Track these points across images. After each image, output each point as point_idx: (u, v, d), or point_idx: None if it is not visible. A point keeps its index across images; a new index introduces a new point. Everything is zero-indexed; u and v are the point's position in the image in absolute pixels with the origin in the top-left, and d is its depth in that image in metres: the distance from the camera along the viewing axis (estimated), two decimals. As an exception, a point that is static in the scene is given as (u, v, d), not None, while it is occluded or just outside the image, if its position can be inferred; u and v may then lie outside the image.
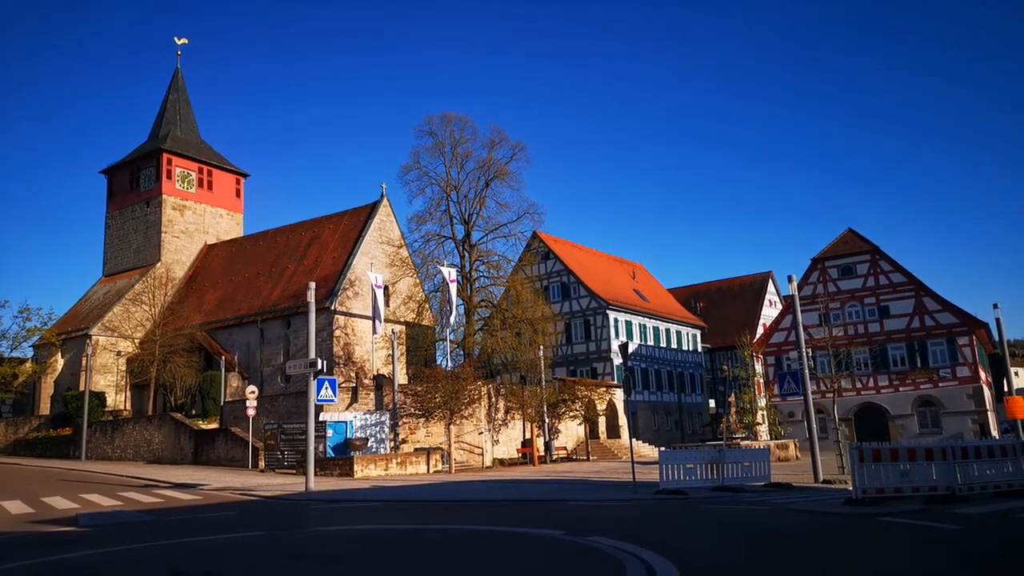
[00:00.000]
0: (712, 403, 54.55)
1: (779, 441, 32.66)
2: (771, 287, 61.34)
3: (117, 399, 43.52)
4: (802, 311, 22.46)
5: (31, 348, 45.70)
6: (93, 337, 43.56)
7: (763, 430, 39.66)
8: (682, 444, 40.60)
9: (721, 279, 64.03)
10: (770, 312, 58.12)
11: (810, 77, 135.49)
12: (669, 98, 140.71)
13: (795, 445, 32.06)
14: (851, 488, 12.74)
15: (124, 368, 43.99)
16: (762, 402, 41.92)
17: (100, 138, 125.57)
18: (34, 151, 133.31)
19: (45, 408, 44.49)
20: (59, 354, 45.45)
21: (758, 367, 44.42)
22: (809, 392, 19.30)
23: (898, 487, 12.32)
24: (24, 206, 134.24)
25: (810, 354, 27.36)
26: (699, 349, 55.15)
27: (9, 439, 41.84)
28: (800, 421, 36.41)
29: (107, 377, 43.60)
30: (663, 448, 22.72)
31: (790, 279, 20.32)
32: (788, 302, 42.34)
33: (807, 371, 19.41)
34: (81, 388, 39.35)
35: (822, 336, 30.67)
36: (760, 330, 53.63)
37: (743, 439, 33.90)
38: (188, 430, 33.55)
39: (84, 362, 40.55)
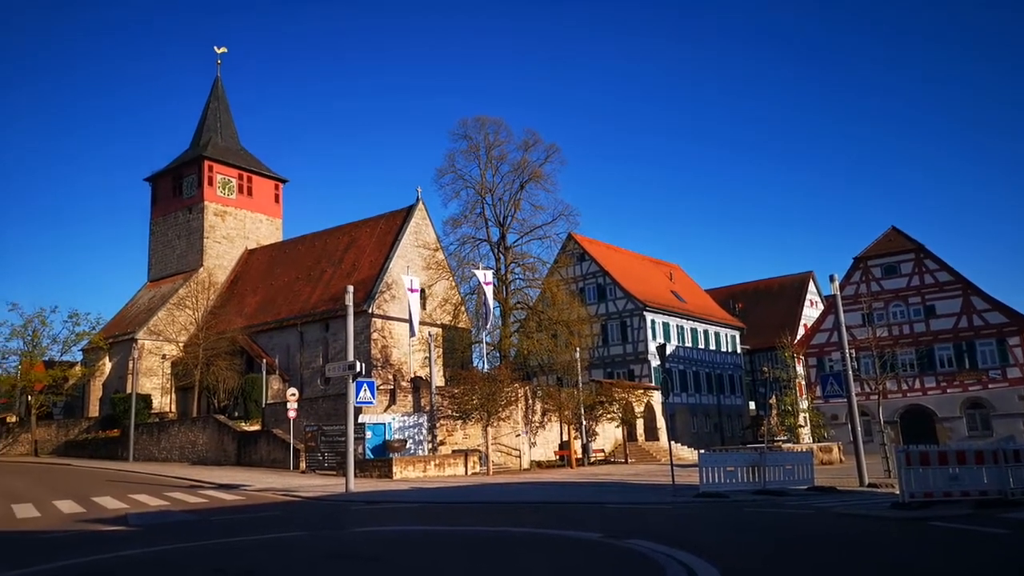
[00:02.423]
0: (752, 405, 53.79)
1: (822, 444, 32.06)
2: (811, 287, 60.31)
3: (163, 401, 44.57)
4: (845, 311, 22.02)
5: (80, 352, 47.05)
6: (139, 341, 44.69)
7: (805, 433, 38.96)
8: (722, 447, 40.08)
9: (760, 279, 63.18)
10: (811, 312, 57.11)
11: (852, 74, 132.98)
12: (703, 98, 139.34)
13: (839, 448, 31.44)
14: (898, 492, 12.46)
15: (169, 371, 45.04)
16: (804, 404, 41.19)
17: (144, 146, 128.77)
18: (80, 160, 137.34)
19: (94, 410, 45.77)
20: (107, 358, 46.71)
21: (799, 368, 43.66)
22: (853, 394, 18.91)
23: (947, 491, 12.01)
24: (72, 214, 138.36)
25: (853, 355, 26.77)
26: (738, 350, 54.44)
27: (61, 440, 43.14)
28: (844, 424, 35.66)
29: (153, 380, 44.69)
30: (702, 451, 22.47)
31: (832, 279, 19.96)
32: (830, 302, 41.56)
33: (850, 373, 19.04)
34: (128, 391, 40.37)
35: (866, 337, 30.02)
36: (801, 331, 52.72)
37: (785, 442, 33.34)
38: (231, 432, 34.20)
39: (130, 365, 41.63)
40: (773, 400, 39.96)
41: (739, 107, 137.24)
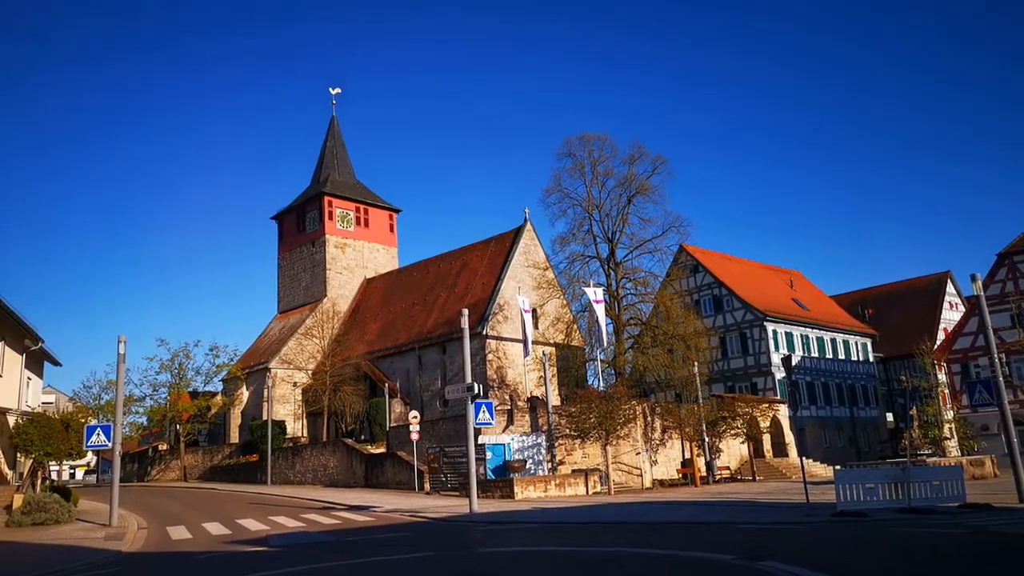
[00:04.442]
0: (890, 417, 50.54)
1: (972, 457, 29.69)
2: (950, 288, 56.04)
3: (295, 427, 47.01)
4: (990, 312, 20.32)
5: (220, 382, 50.50)
6: (272, 370, 47.43)
7: (952, 445, 36.19)
8: (858, 462, 37.81)
9: (890, 282, 59.46)
10: (951, 315, 53.07)
11: (990, 64, 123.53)
12: (820, 95, 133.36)
13: (992, 461, 28.98)
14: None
15: (300, 397, 47.50)
16: (949, 414, 38.26)
17: (268, 186, 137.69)
18: (210, 201, 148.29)
19: (235, 436, 48.88)
20: (244, 387, 49.84)
21: (941, 376, 40.62)
22: (1006, 402, 17.39)
23: None
24: (209, 253, 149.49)
25: (1003, 359, 24.63)
26: (870, 359, 51.33)
27: (206, 465, 46.31)
28: (996, 434, 32.80)
29: (285, 407, 47.25)
30: (838, 467, 21.30)
31: (974, 278, 18.51)
32: (972, 303, 38.47)
33: (1001, 379, 17.52)
34: (264, 417, 42.88)
35: (1016, 339, 27.56)
36: (940, 335, 49.12)
37: (929, 455, 31.11)
38: (359, 455, 35.55)
39: (265, 393, 44.27)
40: (914, 411, 37.41)
41: (868, 100, 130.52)
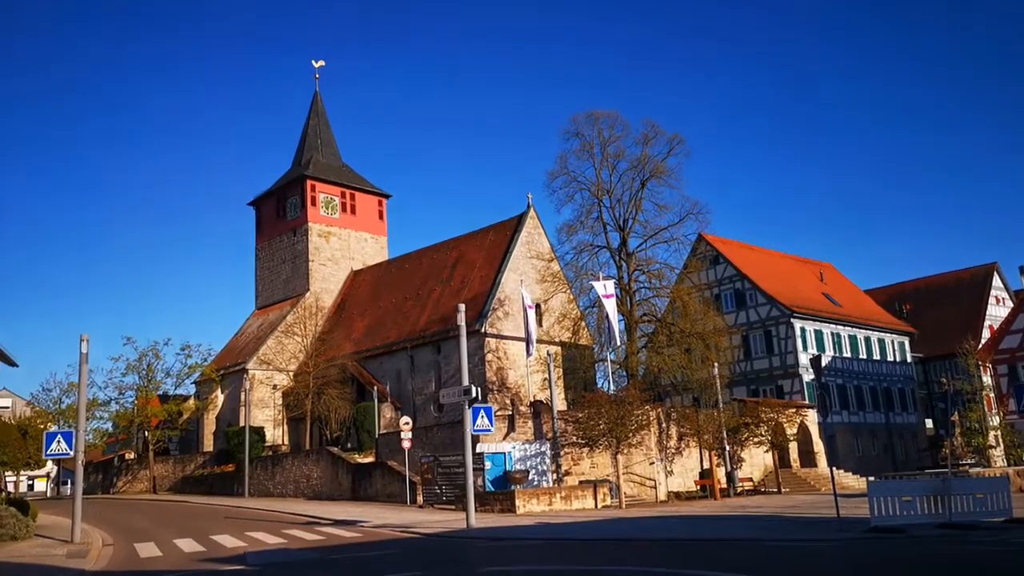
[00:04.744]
0: (929, 423, 50.59)
1: (1020, 467, 29.74)
2: (996, 281, 55.99)
3: (275, 433, 47.13)
4: (1041, 308, 20.30)
5: (193, 385, 50.57)
6: (250, 371, 47.50)
7: (998, 454, 36.24)
8: (895, 473, 37.87)
9: (931, 275, 59.46)
10: (997, 312, 53.04)
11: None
12: (852, 67, 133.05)
13: (1042, 472, 28.98)
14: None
15: (280, 402, 47.60)
16: (994, 420, 38.30)
17: (245, 169, 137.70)
18: (178, 184, 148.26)
19: (209, 444, 49.00)
20: (219, 390, 49.93)
21: (986, 378, 40.65)
22: (1057, 407, 17.39)
23: None
24: (180, 243, 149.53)
25: (1055, 360, 24.65)
26: (908, 359, 51.35)
27: (177, 476, 46.46)
28: (1047, 443, 32.84)
29: (264, 411, 47.36)
30: (871, 478, 21.33)
31: (1023, 270, 18.48)
32: (1021, 298, 38.43)
33: (1053, 381, 17.52)
34: (241, 423, 42.97)
35: (1069, 337, 27.57)
36: (985, 333, 49.11)
37: (972, 466, 31.20)
38: (345, 464, 35.63)
39: (243, 397, 44.32)
40: (956, 417, 37.42)
41: (897, 73, 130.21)
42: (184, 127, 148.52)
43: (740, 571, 10.12)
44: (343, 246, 55.44)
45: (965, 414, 37.24)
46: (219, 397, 50.10)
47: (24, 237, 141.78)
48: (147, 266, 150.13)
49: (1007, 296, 55.44)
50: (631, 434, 28.79)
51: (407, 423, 30.90)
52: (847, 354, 47.04)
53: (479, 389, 26.52)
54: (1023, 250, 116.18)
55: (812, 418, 38.98)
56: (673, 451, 33.11)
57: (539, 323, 40.14)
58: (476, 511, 20.34)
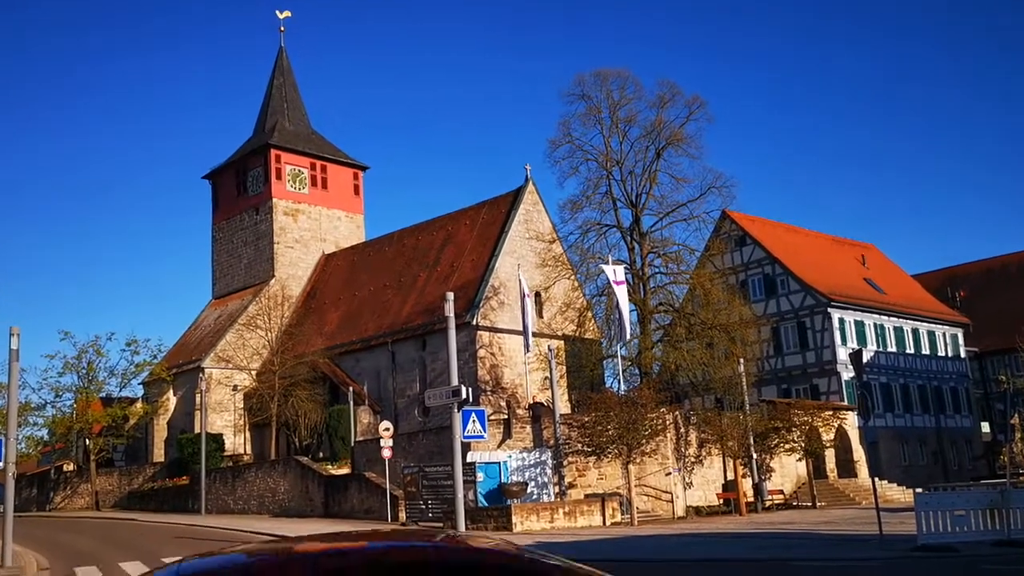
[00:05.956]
0: (985, 427, 50.83)
1: (1089, 477, 29.92)
2: (1064, 264, 56.31)
3: (236, 441, 47.26)
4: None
5: (141, 386, 50.64)
6: (206, 370, 47.59)
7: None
8: (946, 484, 38.13)
9: (988, 257, 59.74)
10: (1065, 299, 53.28)
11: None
12: (900, 26, 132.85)
13: (1114, 483, 29.22)
14: None
15: (241, 405, 47.70)
16: (1060, 424, 38.56)
17: (199, 137, 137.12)
18: (126, 153, 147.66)
19: (160, 454, 49.13)
20: (171, 391, 50.00)
21: (1051, 376, 40.86)
22: None
23: None
24: (125, 224, 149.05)
25: None
26: (962, 354, 51.61)
27: (123, 490, 46.58)
28: (1120, 449, 33.08)
29: (224, 416, 47.47)
30: (919, 490, 21.47)
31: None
32: (1091, 283, 38.62)
33: None
34: (196, 430, 43.04)
35: None
36: (1051, 324, 49.27)
37: (1034, 475, 31.36)
38: (317, 476, 35.76)
39: (198, 399, 44.40)
40: (1016, 419, 37.65)
41: (950, 33, 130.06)
42: (126, 86, 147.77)
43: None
44: (313, 226, 55.40)
45: (1027, 417, 37.52)
46: (171, 400, 50.21)
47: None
48: (87, 249, 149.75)
49: (1076, 281, 55.71)
50: (644, 441, 28.92)
51: (387, 429, 30.98)
52: (892, 348, 47.20)
53: (470, 390, 26.52)
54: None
55: (852, 422, 39.17)
56: (693, 460, 33.27)
57: (539, 314, 40.22)
58: (467, 529, 20.43)
